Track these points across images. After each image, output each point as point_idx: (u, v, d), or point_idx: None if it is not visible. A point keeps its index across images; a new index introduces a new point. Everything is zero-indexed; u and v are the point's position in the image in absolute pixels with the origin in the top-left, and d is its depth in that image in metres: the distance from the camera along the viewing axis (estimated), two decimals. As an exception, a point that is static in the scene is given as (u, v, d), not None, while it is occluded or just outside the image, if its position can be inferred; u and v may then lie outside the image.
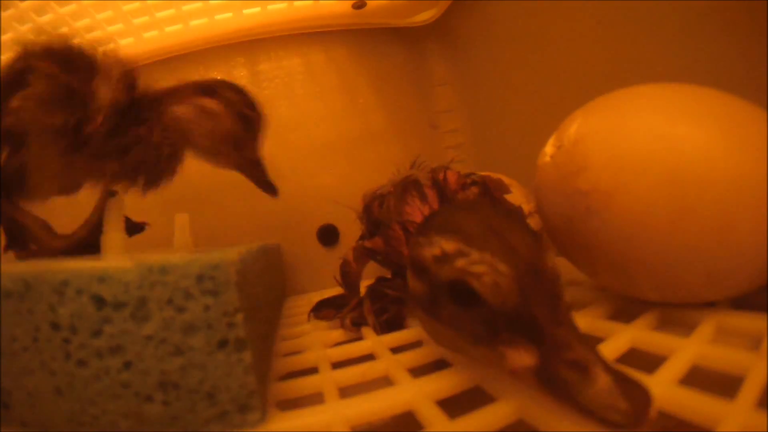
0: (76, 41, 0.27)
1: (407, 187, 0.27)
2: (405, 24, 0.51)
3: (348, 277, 0.29)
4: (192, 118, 0.28)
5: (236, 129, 0.29)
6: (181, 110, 0.28)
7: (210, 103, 0.28)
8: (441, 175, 0.28)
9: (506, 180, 0.32)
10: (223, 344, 0.15)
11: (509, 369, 0.14)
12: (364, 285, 0.30)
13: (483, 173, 0.34)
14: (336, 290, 0.32)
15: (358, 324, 0.27)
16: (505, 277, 0.14)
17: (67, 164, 0.26)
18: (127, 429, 0.14)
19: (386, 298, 0.28)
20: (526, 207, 0.30)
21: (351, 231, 0.47)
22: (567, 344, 0.13)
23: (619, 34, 0.31)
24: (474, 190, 0.28)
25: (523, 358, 0.14)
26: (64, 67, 0.26)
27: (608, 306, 0.23)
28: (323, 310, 0.31)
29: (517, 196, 0.31)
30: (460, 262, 0.14)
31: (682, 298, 0.20)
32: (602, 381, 0.12)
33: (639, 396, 0.12)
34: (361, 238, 0.31)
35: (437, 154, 0.52)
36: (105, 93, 0.26)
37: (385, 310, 0.27)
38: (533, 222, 0.30)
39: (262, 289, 0.22)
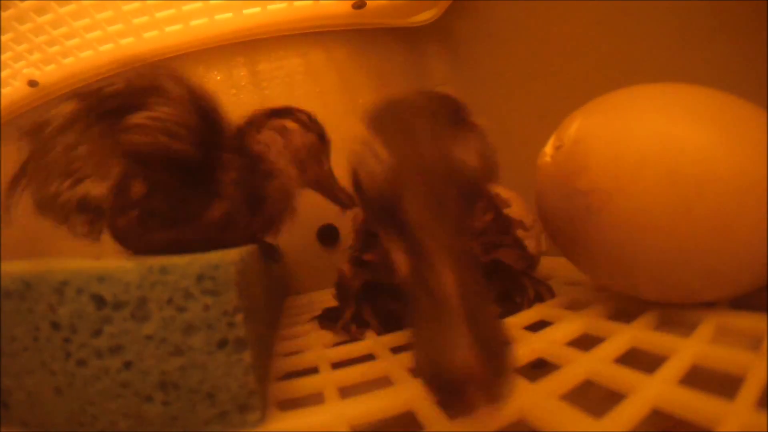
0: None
1: None
2: (405, 24, 0.51)
3: (343, 290, 0.29)
4: (273, 142, 0.29)
5: (313, 144, 0.30)
6: (265, 138, 0.29)
7: (287, 123, 0.30)
8: None
9: (505, 193, 0.31)
10: (222, 344, 0.15)
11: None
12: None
13: None
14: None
15: (360, 325, 0.27)
16: (386, 171, 0.13)
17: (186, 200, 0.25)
18: (127, 429, 0.14)
19: (382, 297, 0.27)
20: (527, 219, 0.30)
21: (351, 231, 0.48)
22: (431, 265, 0.11)
23: (619, 34, 0.31)
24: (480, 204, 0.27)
25: (398, 257, 0.12)
26: (192, 95, 0.25)
27: (608, 306, 0.23)
28: (325, 321, 0.30)
29: (516, 210, 0.30)
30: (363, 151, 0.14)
31: (682, 298, 0.20)
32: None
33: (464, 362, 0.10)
34: (356, 250, 0.30)
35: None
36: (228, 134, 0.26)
37: (384, 310, 0.27)
38: (535, 235, 0.30)
39: (262, 289, 0.22)
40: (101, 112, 0.24)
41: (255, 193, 0.27)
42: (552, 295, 0.26)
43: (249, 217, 0.27)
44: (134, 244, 0.26)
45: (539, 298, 0.26)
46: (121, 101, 0.24)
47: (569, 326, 0.21)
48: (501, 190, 0.32)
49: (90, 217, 0.24)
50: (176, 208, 0.24)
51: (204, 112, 0.26)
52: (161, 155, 0.23)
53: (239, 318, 0.15)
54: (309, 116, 0.31)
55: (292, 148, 0.29)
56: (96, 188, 0.23)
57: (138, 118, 0.23)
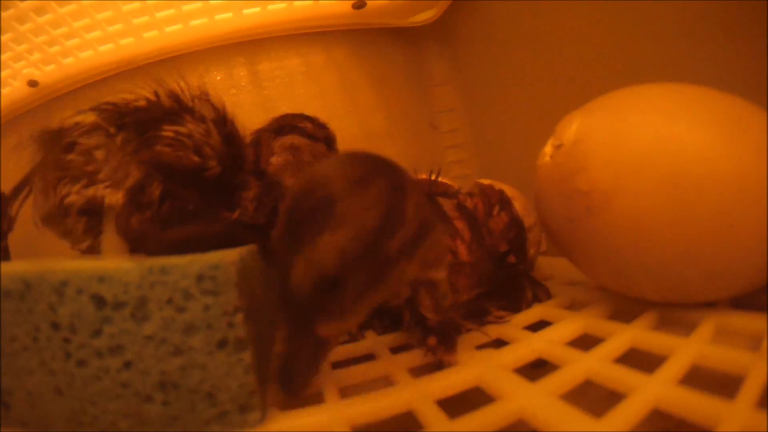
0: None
1: None
2: (405, 24, 0.51)
3: None
4: (289, 165, 0.29)
5: (322, 153, 0.30)
6: (278, 163, 0.28)
7: (294, 140, 0.29)
8: (470, 204, 0.27)
9: (509, 191, 0.31)
10: (223, 344, 0.15)
11: None
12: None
13: (485, 182, 0.34)
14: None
15: (361, 326, 0.27)
16: None
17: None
18: (127, 429, 0.14)
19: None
20: (527, 220, 0.30)
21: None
22: None
23: (619, 33, 0.31)
24: (504, 218, 0.28)
25: None
26: (219, 117, 0.26)
27: (608, 306, 0.23)
28: None
29: (518, 209, 0.30)
30: None
31: (682, 298, 0.20)
32: None
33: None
34: None
35: (437, 154, 0.52)
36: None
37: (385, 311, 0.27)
38: (534, 234, 0.30)
39: (262, 289, 0.22)
40: (123, 123, 0.25)
41: (271, 213, 0.27)
42: (549, 297, 0.26)
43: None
44: (147, 243, 0.26)
45: (536, 299, 0.26)
46: (148, 115, 0.25)
47: (569, 326, 0.21)
48: (506, 188, 0.32)
49: (86, 220, 0.24)
50: (190, 214, 0.25)
51: (228, 135, 0.26)
52: (182, 167, 0.24)
53: (239, 318, 0.15)
54: (313, 123, 0.30)
55: (304, 165, 0.29)
56: (107, 193, 0.24)
57: (167, 131, 0.24)
